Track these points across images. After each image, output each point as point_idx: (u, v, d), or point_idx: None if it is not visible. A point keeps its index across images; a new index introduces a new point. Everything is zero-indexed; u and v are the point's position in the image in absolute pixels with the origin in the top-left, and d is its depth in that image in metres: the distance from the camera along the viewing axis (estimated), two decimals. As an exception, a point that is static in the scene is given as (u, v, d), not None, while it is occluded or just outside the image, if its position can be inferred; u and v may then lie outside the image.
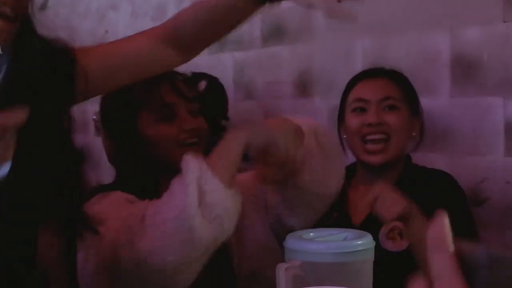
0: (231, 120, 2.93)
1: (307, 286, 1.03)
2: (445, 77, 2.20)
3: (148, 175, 1.66)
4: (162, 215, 1.34)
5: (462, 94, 2.17)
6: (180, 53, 1.46)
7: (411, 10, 2.28)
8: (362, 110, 1.97)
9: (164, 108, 1.66)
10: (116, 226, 1.38)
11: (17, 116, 1.00)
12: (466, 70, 2.17)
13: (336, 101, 2.42)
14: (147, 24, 3.34)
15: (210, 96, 2.65)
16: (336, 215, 1.94)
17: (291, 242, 1.21)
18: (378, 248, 1.21)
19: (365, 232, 1.24)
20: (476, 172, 2.12)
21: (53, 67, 1.27)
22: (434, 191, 1.93)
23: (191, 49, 1.49)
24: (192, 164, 1.36)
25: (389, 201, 1.69)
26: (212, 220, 1.33)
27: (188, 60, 1.50)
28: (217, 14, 1.43)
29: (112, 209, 1.46)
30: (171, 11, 3.23)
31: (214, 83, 2.79)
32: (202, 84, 2.63)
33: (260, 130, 1.49)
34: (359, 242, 1.18)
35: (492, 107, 2.09)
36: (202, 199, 1.33)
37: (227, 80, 2.97)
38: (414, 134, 2.03)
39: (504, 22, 2.04)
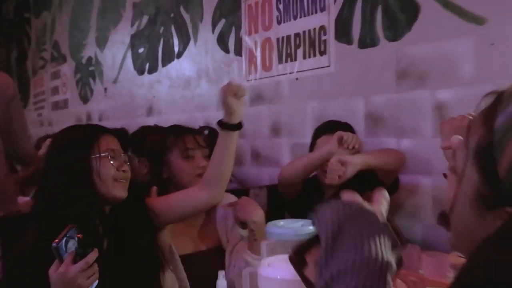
0: None
1: (279, 254, 1.07)
2: (361, 125, 2.21)
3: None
4: None
5: (371, 135, 2.18)
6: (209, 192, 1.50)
7: (340, 85, 2.31)
8: None
9: (186, 151, 1.70)
10: None
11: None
12: (373, 121, 2.19)
13: (295, 140, 2.52)
14: (179, 92, 3.40)
15: (211, 138, 2.65)
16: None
17: (270, 227, 1.24)
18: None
19: None
20: None
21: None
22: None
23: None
24: None
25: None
26: None
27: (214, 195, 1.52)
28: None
29: None
30: (193, 84, 3.29)
31: (213, 130, 2.59)
32: (206, 132, 2.54)
33: None
34: (310, 227, 1.21)
35: (389, 144, 2.10)
36: None
37: (228, 126, 3.03)
38: None
39: (396, 93, 2.08)
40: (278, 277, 0.97)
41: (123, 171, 1.40)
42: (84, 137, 1.40)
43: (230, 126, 1.49)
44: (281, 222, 1.28)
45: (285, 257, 1.05)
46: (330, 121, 2.14)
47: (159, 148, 1.72)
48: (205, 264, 1.58)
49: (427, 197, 1.98)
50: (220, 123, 1.51)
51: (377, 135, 2.18)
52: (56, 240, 1.13)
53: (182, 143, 1.70)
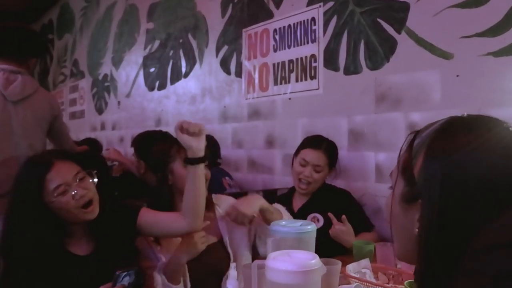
0: (230, 161, 2.93)
1: (282, 249, 1.07)
2: (344, 140, 2.22)
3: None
4: None
5: (354, 149, 2.19)
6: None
7: (327, 105, 2.33)
8: (303, 165, 1.96)
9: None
10: None
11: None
12: (355, 137, 2.20)
13: (287, 151, 2.48)
14: (185, 107, 3.41)
15: (210, 145, 2.58)
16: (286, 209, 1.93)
17: (274, 226, 1.26)
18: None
19: (311, 222, 1.29)
20: (360, 190, 2.13)
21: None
22: (338, 199, 1.96)
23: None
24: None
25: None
26: None
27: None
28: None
29: None
30: (198, 100, 3.30)
31: (211, 138, 2.61)
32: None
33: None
34: (309, 227, 1.24)
35: (369, 157, 2.12)
36: None
37: (228, 138, 2.96)
38: (328, 177, 2.02)
39: (375, 113, 2.11)
40: (283, 268, 0.98)
41: (82, 196, 1.29)
42: (30, 186, 1.28)
43: (190, 160, 1.38)
44: (283, 222, 1.30)
45: (288, 251, 1.10)
46: (317, 136, 2.09)
47: (163, 157, 1.62)
48: (212, 255, 1.55)
49: (400, 202, 2.01)
50: (185, 158, 1.42)
51: (358, 149, 2.20)
52: (120, 271, 1.22)
53: (184, 153, 1.53)
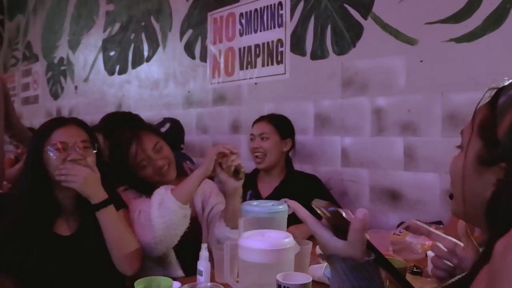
0: (195, 146, 2.89)
1: (254, 229, 1.07)
2: (311, 125, 2.24)
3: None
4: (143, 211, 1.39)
5: (320, 134, 2.21)
6: None
7: (294, 90, 2.33)
8: (252, 139, 2.02)
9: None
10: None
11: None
12: (322, 121, 2.21)
13: None
14: (147, 92, 3.32)
15: (174, 129, 2.53)
16: (251, 192, 1.96)
17: (245, 207, 1.24)
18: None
19: (283, 202, 1.23)
20: (327, 174, 2.14)
21: None
22: (308, 184, 1.96)
23: None
24: (160, 190, 1.40)
25: None
26: (164, 219, 1.35)
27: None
28: None
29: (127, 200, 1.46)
30: (161, 85, 3.23)
31: (176, 122, 2.61)
32: (167, 125, 2.49)
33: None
34: (280, 207, 1.23)
35: (335, 141, 2.14)
36: (161, 206, 1.35)
37: (192, 123, 2.92)
38: (285, 149, 2.00)
39: (341, 98, 2.13)
40: (256, 247, 0.98)
41: (71, 160, 1.27)
42: (41, 130, 1.34)
43: (92, 207, 1.31)
44: (255, 202, 1.28)
45: (261, 231, 1.09)
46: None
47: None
48: (186, 232, 1.48)
49: (365, 186, 2.05)
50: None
51: (324, 133, 2.21)
52: None
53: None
